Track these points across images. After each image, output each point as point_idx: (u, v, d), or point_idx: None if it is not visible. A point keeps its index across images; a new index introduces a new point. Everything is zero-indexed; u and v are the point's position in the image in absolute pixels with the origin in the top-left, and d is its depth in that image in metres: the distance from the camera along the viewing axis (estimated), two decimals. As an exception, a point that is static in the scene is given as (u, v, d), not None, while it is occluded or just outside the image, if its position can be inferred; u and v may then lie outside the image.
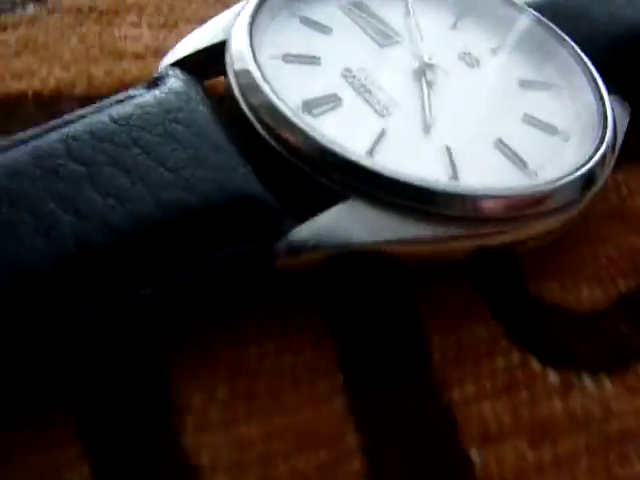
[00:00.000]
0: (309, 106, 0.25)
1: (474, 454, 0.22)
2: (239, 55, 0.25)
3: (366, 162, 0.23)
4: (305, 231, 0.22)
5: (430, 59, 0.28)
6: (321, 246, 0.22)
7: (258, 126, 0.24)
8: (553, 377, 0.24)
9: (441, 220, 0.23)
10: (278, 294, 0.24)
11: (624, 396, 0.24)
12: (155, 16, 0.31)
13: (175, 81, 0.25)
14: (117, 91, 0.27)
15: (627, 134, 0.29)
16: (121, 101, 0.24)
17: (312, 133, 0.23)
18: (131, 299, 0.21)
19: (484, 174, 0.25)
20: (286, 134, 0.24)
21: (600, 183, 0.26)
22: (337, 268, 0.23)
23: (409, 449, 0.22)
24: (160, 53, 0.28)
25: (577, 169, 0.25)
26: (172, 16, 0.31)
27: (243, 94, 0.24)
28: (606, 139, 0.27)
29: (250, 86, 0.24)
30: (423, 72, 0.28)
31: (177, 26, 0.31)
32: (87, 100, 0.27)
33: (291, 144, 0.23)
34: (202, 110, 0.24)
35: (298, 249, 0.22)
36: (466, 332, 0.24)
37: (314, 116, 0.25)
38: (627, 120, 0.29)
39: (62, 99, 0.28)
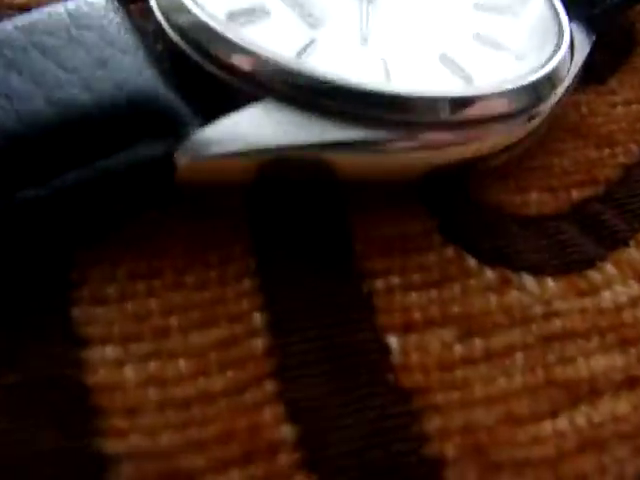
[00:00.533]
0: (234, 16, 0.24)
1: (392, 341, 0.20)
2: None
3: (290, 63, 0.21)
4: (209, 132, 0.20)
5: None
6: (230, 149, 0.20)
7: (169, 30, 0.23)
8: (489, 274, 0.22)
9: (379, 123, 0.21)
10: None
11: (570, 297, 0.22)
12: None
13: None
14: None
15: (591, 59, 0.28)
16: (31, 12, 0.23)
17: (228, 34, 0.22)
18: (11, 200, 0.19)
19: (421, 89, 0.23)
20: (199, 37, 0.22)
21: (555, 97, 0.25)
22: (256, 179, 0.21)
23: (319, 330, 0.20)
24: None
25: (523, 80, 0.23)
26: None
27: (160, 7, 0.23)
28: (560, 53, 0.25)
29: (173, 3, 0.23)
30: None
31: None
32: (27, 9, 0.27)
33: (204, 46, 0.22)
34: (115, 18, 0.23)
35: (200, 157, 0.20)
36: (395, 225, 0.23)
37: (240, 25, 0.23)
38: (588, 46, 0.27)
39: (2, 7, 0.28)
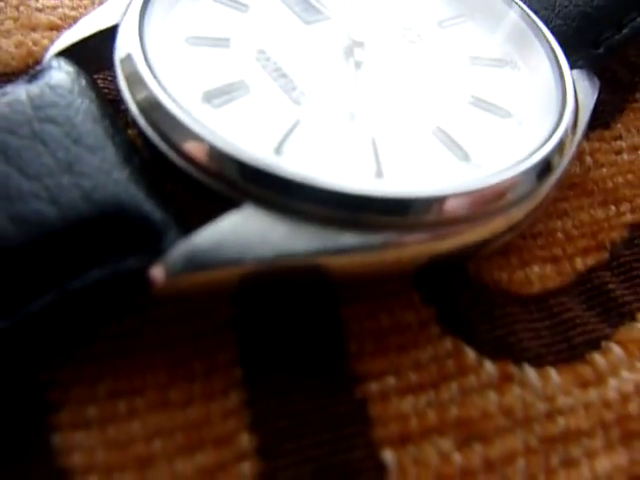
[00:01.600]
0: (209, 96, 0.22)
1: (388, 457, 0.19)
2: (125, 40, 0.22)
3: (267, 163, 0.19)
4: (186, 249, 0.18)
5: (360, 36, 0.24)
6: (206, 267, 0.18)
7: (142, 122, 0.21)
8: (489, 368, 0.21)
9: (372, 227, 0.20)
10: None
11: (573, 390, 0.21)
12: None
13: (56, 74, 0.21)
14: (26, 64, 0.26)
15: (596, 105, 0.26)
16: None
17: (201, 130, 0.20)
18: None
19: (414, 169, 0.21)
20: (171, 132, 0.20)
21: (559, 170, 0.22)
22: (240, 287, 0.20)
23: (311, 450, 0.19)
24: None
25: (525, 159, 0.21)
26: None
27: (128, 86, 0.21)
28: (564, 122, 0.23)
29: (134, 76, 0.21)
30: (351, 51, 0.24)
31: (99, -6, 0.29)
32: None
33: (177, 143, 0.20)
34: (81, 105, 0.21)
35: (178, 270, 0.18)
36: (390, 315, 0.22)
37: (214, 107, 0.21)
38: (595, 94, 0.25)
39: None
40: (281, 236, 0.19)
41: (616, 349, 0.22)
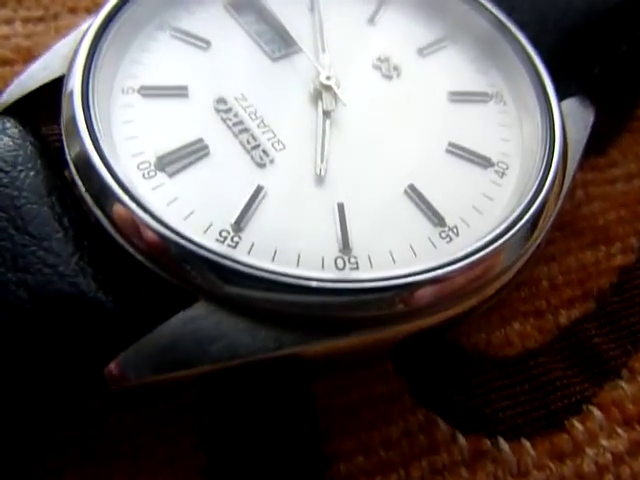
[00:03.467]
0: (164, 162, 0.20)
1: (356, 543, 0.19)
2: (68, 94, 0.20)
3: (218, 255, 0.18)
4: (139, 352, 0.18)
5: (329, 78, 0.22)
6: (162, 369, 0.18)
7: (88, 198, 0.19)
8: (462, 443, 0.20)
9: (330, 323, 0.18)
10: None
11: (548, 463, 0.21)
12: (34, 8, 0.26)
13: (1, 139, 0.20)
14: None
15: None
16: None
17: (143, 214, 0.18)
18: None
19: (382, 241, 0.20)
20: (114, 212, 0.18)
21: (550, 220, 0.21)
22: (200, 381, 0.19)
23: None
24: (32, 55, 0.24)
25: (509, 224, 0.19)
26: (53, 6, 0.27)
27: (70, 150, 0.19)
28: (552, 171, 0.21)
29: (74, 139, 0.19)
30: (319, 96, 0.22)
31: (58, 18, 0.26)
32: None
33: (121, 227, 0.18)
34: (25, 180, 0.19)
35: (131, 375, 0.17)
36: (361, 390, 0.21)
37: (170, 175, 0.20)
38: (590, 124, 0.23)
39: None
40: (236, 335, 0.18)
41: (596, 413, 0.22)
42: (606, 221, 0.25)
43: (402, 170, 0.21)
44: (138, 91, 0.21)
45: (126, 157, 0.20)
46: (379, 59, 0.23)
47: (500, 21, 0.23)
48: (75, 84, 0.20)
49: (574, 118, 0.23)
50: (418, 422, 0.21)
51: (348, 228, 0.20)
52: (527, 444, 0.21)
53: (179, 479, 0.19)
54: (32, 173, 0.19)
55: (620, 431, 0.21)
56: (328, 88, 0.22)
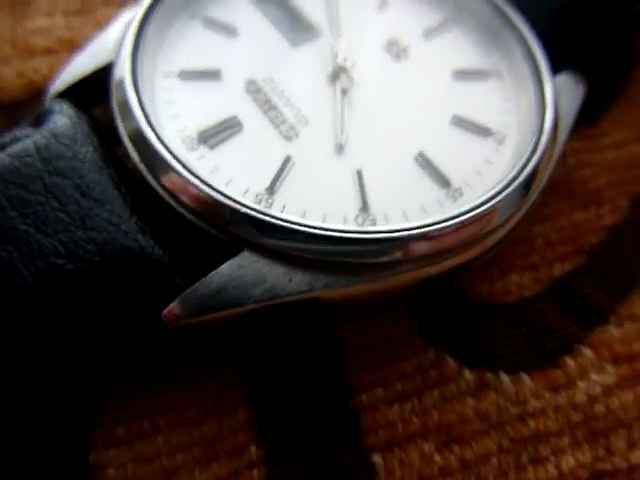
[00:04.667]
0: (205, 136, 0.23)
1: (378, 460, 0.22)
2: (119, 79, 0.23)
3: (256, 210, 0.21)
4: (193, 295, 0.21)
5: (345, 60, 0.25)
6: (213, 309, 0.21)
7: (143, 169, 0.22)
8: (468, 376, 0.24)
9: (353, 267, 0.21)
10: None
11: (544, 394, 0.24)
12: (72, 2, 0.30)
13: (59, 119, 0.23)
14: (28, 93, 0.27)
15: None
16: (1, 148, 0.23)
17: (193, 179, 0.21)
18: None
19: (396, 202, 0.23)
20: (167, 179, 0.22)
21: (542, 182, 0.24)
22: (243, 323, 0.22)
23: (310, 457, 0.22)
24: (74, 45, 0.27)
25: (507, 183, 0.23)
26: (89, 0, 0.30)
27: (124, 126, 0.23)
28: (544, 137, 0.24)
29: (129, 119, 0.22)
30: (337, 76, 0.25)
31: (94, 11, 0.30)
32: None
33: (174, 191, 0.22)
34: (86, 154, 0.22)
35: (187, 314, 0.21)
36: (379, 332, 0.24)
37: (211, 147, 0.23)
38: (580, 98, 0.26)
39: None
40: (275, 279, 0.21)
41: (587, 352, 0.25)
42: (596, 185, 0.27)
43: (412, 140, 0.24)
44: (178, 75, 0.24)
45: (172, 133, 0.23)
46: (389, 42, 0.26)
47: (497, 3, 0.26)
48: (125, 70, 0.23)
49: (566, 91, 0.26)
50: (429, 359, 0.24)
51: (366, 191, 0.23)
52: (525, 377, 0.24)
53: (226, 408, 0.23)
54: (90, 148, 0.23)
55: (609, 367, 0.24)
56: (344, 69, 0.25)
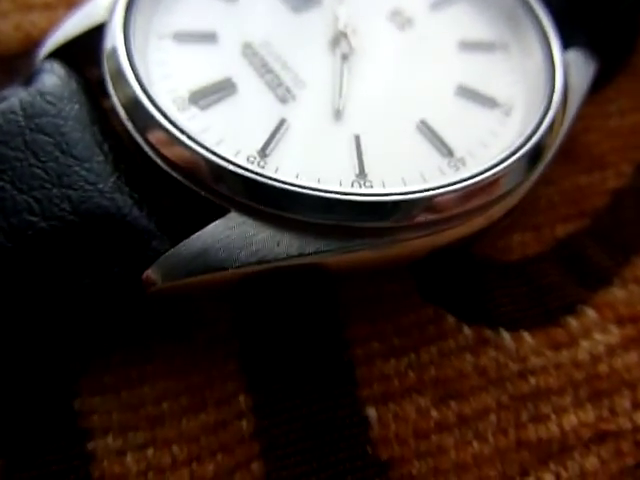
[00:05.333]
0: (197, 97, 0.23)
1: (371, 413, 0.22)
2: (111, 39, 0.22)
3: (249, 172, 0.20)
4: (173, 258, 0.20)
5: (346, 26, 0.25)
6: (195, 272, 0.20)
7: (129, 126, 0.22)
8: (467, 332, 0.23)
9: (348, 231, 0.21)
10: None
11: (546, 351, 0.23)
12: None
13: (48, 78, 0.22)
14: (26, 47, 0.26)
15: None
16: None
17: (182, 137, 0.21)
18: None
19: (395, 168, 0.22)
20: (154, 137, 0.21)
21: (549, 155, 0.23)
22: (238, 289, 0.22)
23: (301, 409, 0.21)
24: (72, 1, 0.27)
25: (511, 153, 0.22)
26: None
27: (114, 86, 0.22)
28: (551, 111, 0.23)
29: (119, 77, 0.22)
30: (338, 41, 0.25)
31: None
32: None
33: (161, 148, 0.21)
34: (70, 112, 0.22)
35: (165, 278, 0.20)
36: (376, 285, 0.23)
37: (202, 108, 0.22)
38: (592, 73, 0.25)
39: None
40: (263, 242, 0.20)
41: (590, 313, 0.24)
42: (601, 150, 0.27)
43: (414, 107, 0.24)
44: (172, 37, 0.24)
45: (162, 93, 0.22)
46: (393, 12, 0.26)
47: None
48: (117, 31, 0.23)
49: (576, 67, 0.25)
50: (427, 315, 0.23)
51: (364, 157, 0.22)
52: (526, 334, 0.23)
53: (216, 359, 0.22)
54: (76, 106, 0.22)
55: (613, 328, 0.24)
56: (345, 35, 0.25)
